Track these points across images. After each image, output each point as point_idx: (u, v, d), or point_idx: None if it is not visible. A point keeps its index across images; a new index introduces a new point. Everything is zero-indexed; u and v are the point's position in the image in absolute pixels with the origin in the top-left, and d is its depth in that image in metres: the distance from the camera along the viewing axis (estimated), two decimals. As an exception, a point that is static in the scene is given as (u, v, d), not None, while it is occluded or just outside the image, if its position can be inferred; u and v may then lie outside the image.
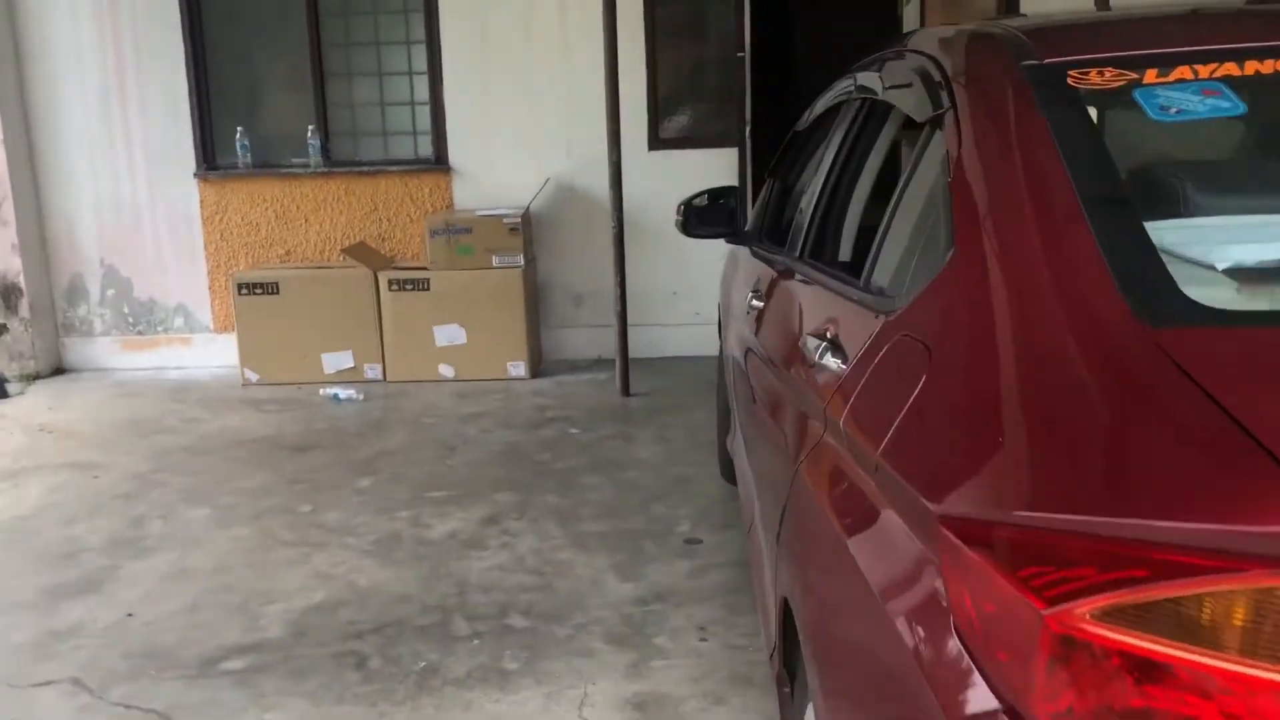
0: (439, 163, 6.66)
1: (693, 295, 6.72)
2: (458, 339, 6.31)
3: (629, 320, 5.96)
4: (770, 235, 3.46)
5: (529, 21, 6.47)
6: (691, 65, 6.62)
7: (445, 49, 6.53)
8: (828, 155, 2.58)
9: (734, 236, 3.72)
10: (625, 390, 5.92)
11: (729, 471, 4.30)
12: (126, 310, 6.91)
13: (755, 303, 2.87)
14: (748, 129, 6.53)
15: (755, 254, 3.37)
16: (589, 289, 6.75)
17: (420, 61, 6.63)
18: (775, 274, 2.80)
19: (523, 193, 6.57)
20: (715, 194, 3.71)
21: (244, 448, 5.25)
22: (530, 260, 6.42)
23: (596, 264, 6.63)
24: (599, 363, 6.69)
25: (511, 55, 6.50)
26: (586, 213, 6.63)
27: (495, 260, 6.23)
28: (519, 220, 6.21)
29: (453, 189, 6.68)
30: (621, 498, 4.38)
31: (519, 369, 6.34)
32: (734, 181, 6.55)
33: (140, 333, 6.93)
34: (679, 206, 3.74)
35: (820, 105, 3.05)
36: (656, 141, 6.56)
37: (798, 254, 2.56)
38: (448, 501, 4.41)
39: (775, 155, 3.55)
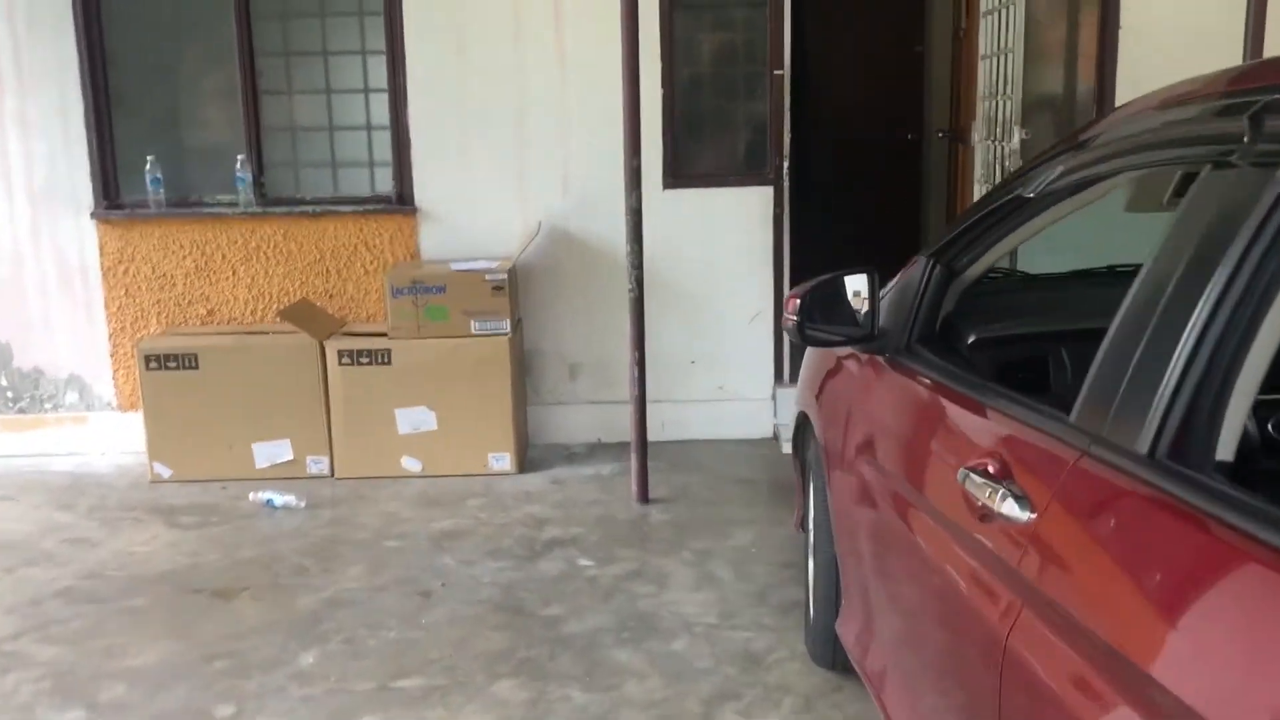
0: (402, 202, 5.36)
1: (714, 364, 5.50)
2: (426, 425, 5.00)
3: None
4: (949, 351, 2.25)
5: (517, 28, 5.20)
6: (714, 85, 5.40)
7: (410, 61, 5.23)
8: (1200, 269, 1.38)
9: (870, 342, 2.51)
10: (643, 495, 4.66)
11: (829, 654, 3.09)
12: (4, 383, 5.51)
13: (1005, 508, 1.63)
14: (785, 164, 5.32)
15: (944, 387, 2.14)
16: (587, 357, 5.48)
17: (379, 77, 5.33)
18: (1044, 450, 1.58)
19: (506, 239, 5.30)
20: (821, 282, 2.54)
21: (145, 591, 3.91)
22: (516, 323, 5.14)
23: (597, 326, 5.39)
24: (600, 449, 5.42)
25: (494, 69, 5.23)
26: (585, 263, 5.37)
27: (474, 325, 4.95)
28: (504, 277, 4.93)
29: (419, 235, 5.38)
30: (675, 693, 3.11)
31: (503, 462, 5.05)
32: (767, 225, 5.36)
33: (22, 410, 5.53)
34: (789, 301, 2.53)
35: (1092, 166, 1.83)
36: (672, 178, 5.32)
37: (1148, 449, 1.37)
38: (428, 697, 3.12)
39: (955, 229, 2.31)
